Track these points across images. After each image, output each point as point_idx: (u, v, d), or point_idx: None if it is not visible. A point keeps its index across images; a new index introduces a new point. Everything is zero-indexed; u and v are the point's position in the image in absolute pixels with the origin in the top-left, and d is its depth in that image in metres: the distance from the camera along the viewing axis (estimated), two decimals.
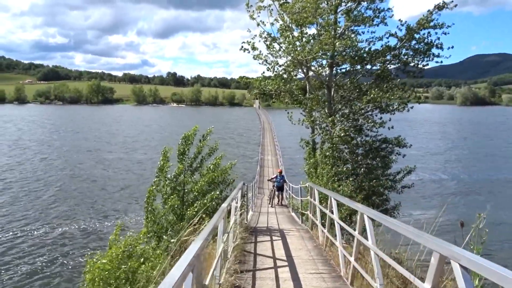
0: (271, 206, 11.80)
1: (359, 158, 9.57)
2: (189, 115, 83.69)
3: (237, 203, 5.02)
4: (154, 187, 6.66)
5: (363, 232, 3.54)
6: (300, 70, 10.73)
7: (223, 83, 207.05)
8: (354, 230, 3.77)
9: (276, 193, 12.49)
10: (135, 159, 29.36)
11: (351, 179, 8.74)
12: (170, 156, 6.94)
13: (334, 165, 8.94)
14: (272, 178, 12.89)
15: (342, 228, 4.32)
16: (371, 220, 3.31)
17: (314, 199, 6.32)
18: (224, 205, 3.67)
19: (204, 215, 6.07)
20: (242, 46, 10.25)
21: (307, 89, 11.03)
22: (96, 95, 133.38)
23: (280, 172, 12.85)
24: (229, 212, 4.24)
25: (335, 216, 4.53)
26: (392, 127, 9.76)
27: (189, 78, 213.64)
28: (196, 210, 6.38)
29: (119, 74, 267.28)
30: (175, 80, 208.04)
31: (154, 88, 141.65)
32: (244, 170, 23.97)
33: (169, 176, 6.95)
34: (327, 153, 9.16)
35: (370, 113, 9.92)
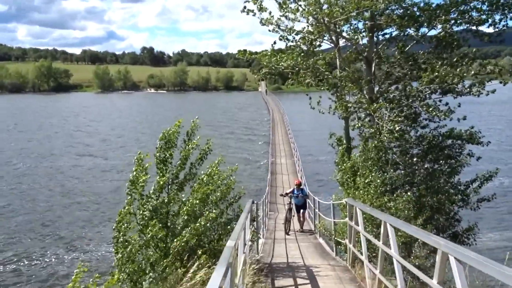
0: (287, 234, 11.31)
1: (414, 160, 9.34)
2: (172, 105, 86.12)
3: (246, 235, 4.77)
4: (126, 208, 6.54)
5: (445, 280, 3.42)
6: (326, 38, 10.89)
7: (216, 60, 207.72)
8: (430, 276, 3.51)
9: (295, 214, 11.88)
10: (103, 165, 29.55)
11: (404, 190, 8.60)
12: (149, 165, 6.85)
13: (381, 171, 8.73)
14: (287, 193, 12.26)
15: (403, 268, 4.08)
16: (460, 263, 3.09)
17: (356, 223, 6.04)
18: (230, 245, 3.40)
19: (199, 249, 5.99)
20: (245, 7, 10.33)
21: (337, 64, 11.04)
22: (46, 80, 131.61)
23: (299, 185, 12.09)
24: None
25: (394, 253, 4.18)
26: (465, 118, 9.38)
27: (171, 55, 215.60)
28: (185, 240, 6.23)
29: (77, 51, 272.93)
30: (153, 58, 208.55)
31: (124, 69, 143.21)
32: (249, 178, 25.17)
33: (147, 192, 6.84)
34: (371, 155, 8.88)
35: (429, 96, 9.66)
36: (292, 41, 10.61)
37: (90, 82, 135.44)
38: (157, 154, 7.00)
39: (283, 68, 10.65)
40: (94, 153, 33.79)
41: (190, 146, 7.23)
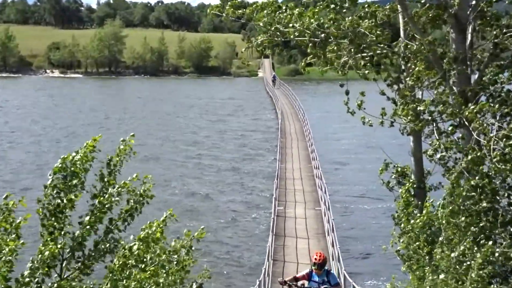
0: None
1: None
2: (87, 104, 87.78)
3: None
4: None
5: None
6: None
7: (179, 18, 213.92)
8: None
9: None
10: None
11: None
12: (23, 221, 7.49)
13: (485, 237, 8.89)
14: (297, 278, 11.85)
15: None
16: None
17: None
18: None
19: None
20: None
21: (401, 28, 11.56)
22: None
23: (323, 264, 11.76)
24: None
25: None
26: None
27: (94, 8, 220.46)
28: None
29: None
30: (58, 12, 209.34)
31: (4, 33, 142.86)
32: (239, 241, 28.52)
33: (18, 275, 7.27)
34: (467, 205, 9.05)
35: None
36: None
37: None
38: (45, 200, 7.50)
39: (296, 34, 10.94)
40: None
41: (114, 189, 7.92)
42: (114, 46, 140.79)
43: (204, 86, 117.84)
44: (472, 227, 9.05)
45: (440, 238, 9.43)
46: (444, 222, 9.32)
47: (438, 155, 10.51)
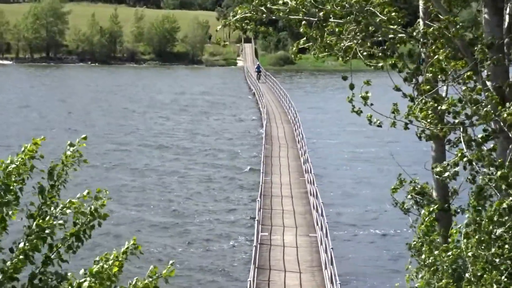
0: None
1: None
2: (25, 96, 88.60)
3: None
4: None
5: None
6: None
7: None
8: None
9: None
10: None
11: None
12: None
13: None
14: None
15: None
16: None
17: None
18: None
19: None
20: None
21: (420, 6, 11.73)
22: None
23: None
24: None
25: None
26: None
27: None
28: None
29: None
30: None
31: None
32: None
33: None
34: (503, 235, 9.17)
35: None
36: None
37: None
38: None
39: (287, 11, 11.10)
40: None
41: (57, 208, 7.88)
42: (53, 25, 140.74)
43: (168, 77, 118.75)
44: (507, 260, 9.07)
45: (467, 275, 9.45)
46: (470, 254, 9.34)
47: (451, 171, 10.56)
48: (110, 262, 7.83)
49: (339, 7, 10.90)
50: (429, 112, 10.63)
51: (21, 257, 7.60)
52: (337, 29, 11.33)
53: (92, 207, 8.21)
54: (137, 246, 8.17)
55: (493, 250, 9.16)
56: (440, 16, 11.05)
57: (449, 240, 10.31)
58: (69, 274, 7.85)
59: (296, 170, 39.23)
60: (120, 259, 7.89)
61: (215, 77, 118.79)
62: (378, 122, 11.19)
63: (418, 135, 11.33)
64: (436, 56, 10.77)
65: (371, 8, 10.84)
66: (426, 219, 10.85)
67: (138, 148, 54.42)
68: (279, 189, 34.68)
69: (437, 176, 11.07)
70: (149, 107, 78.85)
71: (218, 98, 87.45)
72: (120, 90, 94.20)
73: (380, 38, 11.15)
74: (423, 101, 10.83)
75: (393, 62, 11.13)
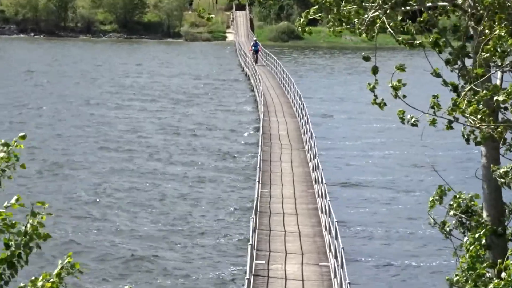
0: None
1: None
2: None
3: None
4: None
5: None
6: None
7: None
8: None
9: None
10: None
11: None
12: None
13: None
14: None
15: None
16: None
17: None
18: None
19: None
20: None
21: None
22: None
23: None
24: None
25: None
26: None
27: None
28: None
29: None
30: None
31: None
32: None
33: None
34: None
35: None
36: None
37: None
38: None
39: None
40: None
41: None
42: None
43: (136, 54, 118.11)
44: None
45: None
46: None
47: None
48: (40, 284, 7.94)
49: None
50: (481, 105, 10.59)
51: None
52: None
53: (28, 225, 8.12)
54: (73, 264, 8.19)
55: None
56: None
57: (504, 275, 10.25)
58: None
59: (302, 179, 39.08)
60: (55, 283, 7.93)
61: (198, 55, 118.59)
62: (413, 119, 11.11)
63: (465, 136, 11.19)
64: (495, 33, 10.67)
65: None
66: (471, 248, 10.91)
67: (96, 148, 53.89)
68: (280, 205, 34.57)
69: (501, 180, 11.01)
70: (111, 93, 78.63)
71: (202, 83, 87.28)
72: (72, 71, 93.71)
73: (415, 7, 11.13)
74: (472, 91, 10.81)
75: (434, 38, 11.06)
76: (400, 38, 11.37)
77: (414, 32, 11.25)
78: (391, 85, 10.89)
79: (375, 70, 10.99)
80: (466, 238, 11.00)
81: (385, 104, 11.12)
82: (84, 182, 44.14)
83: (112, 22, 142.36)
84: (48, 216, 8.16)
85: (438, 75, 11.03)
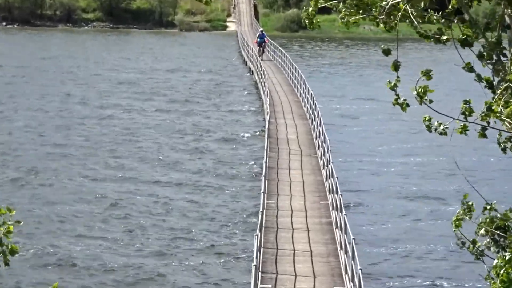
0: None
1: None
2: None
3: None
4: None
5: None
6: None
7: None
8: None
9: None
10: None
11: None
12: None
13: None
14: None
15: None
16: None
17: None
18: None
19: None
20: None
21: None
22: None
23: None
24: None
25: None
26: None
27: None
28: None
29: None
30: None
31: None
32: None
33: None
34: None
35: None
36: None
37: None
38: None
39: None
40: None
41: None
42: None
43: (123, 46, 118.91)
44: None
45: None
46: None
47: None
48: None
49: None
50: None
51: None
52: None
53: None
54: None
55: None
56: None
57: None
58: None
59: (314, 189, 38.97)
60: None
61: (194, 48, 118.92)
62: (441, 127, 10.94)
63: (502, 145, 11.07)
64: None
65: None
66: (502, 271, 10.81)
67: (82, 154, 53.87)
68: (288, 218, 34.62)
69: None
70: (98, 92, 78.82)
71: (199, 80, 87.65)
72: (50, 66, 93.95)
73: None
74: (510, 89, 10.87)
75: (463, 37, 10.94)
76: (423, 30, 11.29)
77: (441, 24, 11.20)
78: (415, 92, 10.91)
79: (396, 66, 10.90)
80: (496, 260, 10.87)
81: (407, 105, 10.92)
82: (72, 190, 44.01)
83: (96, 10, 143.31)
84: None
85: (470, 69, 10.95)
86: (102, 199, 43.14)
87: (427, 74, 10.80)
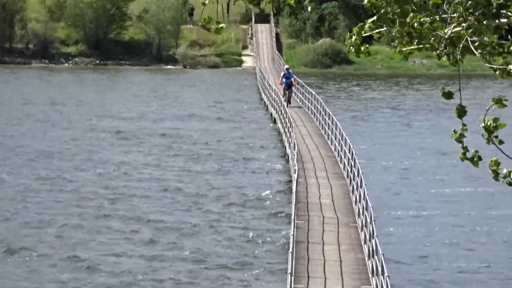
0: None
1: None
2: None
3: None
4: None
5: None
6: None
7: None
8: None
9: None
10: None
11: None
12: None
13: None
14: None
15: None
16: None
17: None
18: None
19: None
20: None
21: None
22: None
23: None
24: None
25: None
26: None
27: None
28: None
29: None
30: None
31: None
32: None
33: None
34: None
35: None
36: None
37: None
38: None
39: None
40: None
41: None
42: None
43: (114, 88, 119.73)
44: None
45: None
46: None
47: None
48: None
49: None
50: None
51: None
52: (431, 1, 11.12)
53: None
54: None
55: None
56: None
57: None
58: None
59: (354, 270, 38.53)
60: None
61: (202, 90, 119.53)
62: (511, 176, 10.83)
63: None
64: None
65: None
66: None
67: (74, 218, 53.70)
68: None
69: None
70: (79, 146, 78.89)
71: (209, 132, 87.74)
72: (22, 114, 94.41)
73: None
74: None
75: None
76: (491, 61, 11.18)
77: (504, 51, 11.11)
78: (483, 125, 10.69)
79: (461, 112, 10.75)
80: None
81: (480, 159, 10.82)
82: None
83: (79, 42, 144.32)
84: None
85: None
86: None
87: (500, 102, 10.63)
